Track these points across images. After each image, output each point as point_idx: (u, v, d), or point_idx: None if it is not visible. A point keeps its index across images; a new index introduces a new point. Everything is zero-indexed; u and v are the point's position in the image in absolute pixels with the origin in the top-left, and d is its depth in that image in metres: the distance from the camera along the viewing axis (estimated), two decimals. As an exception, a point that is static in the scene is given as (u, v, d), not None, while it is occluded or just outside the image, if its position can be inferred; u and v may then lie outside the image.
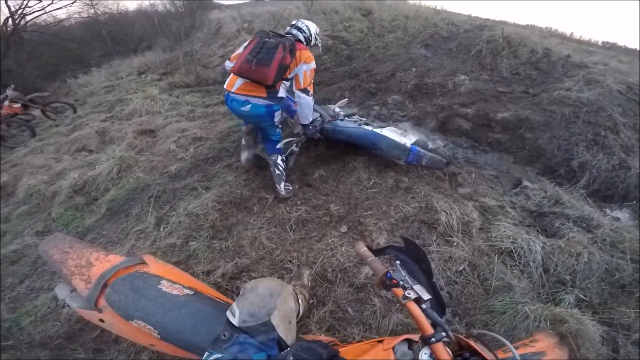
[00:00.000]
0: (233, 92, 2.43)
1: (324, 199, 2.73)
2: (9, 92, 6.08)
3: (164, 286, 1.19)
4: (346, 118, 3.19)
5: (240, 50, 2.48)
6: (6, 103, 5.93)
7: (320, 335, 1.72)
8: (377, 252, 1.05)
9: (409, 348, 0.85)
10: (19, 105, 6.08)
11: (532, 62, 4.64)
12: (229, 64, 2.61)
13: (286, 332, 0.99)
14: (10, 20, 10.88)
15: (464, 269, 2.10)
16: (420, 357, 0.78)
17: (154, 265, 1.32)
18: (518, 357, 0.81)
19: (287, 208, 2.68)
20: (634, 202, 2.94)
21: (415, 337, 0.85)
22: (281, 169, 2.75)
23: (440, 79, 4.53)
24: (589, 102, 3.64)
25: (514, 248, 2.17)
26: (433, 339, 0.75)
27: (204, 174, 3.27)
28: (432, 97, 4.32)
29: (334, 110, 3.27)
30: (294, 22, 2.66)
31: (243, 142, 3.10)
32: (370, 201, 2.63)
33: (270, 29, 2.52)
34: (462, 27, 5.84)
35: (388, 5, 7.31)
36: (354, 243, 2.08)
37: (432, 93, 4.39)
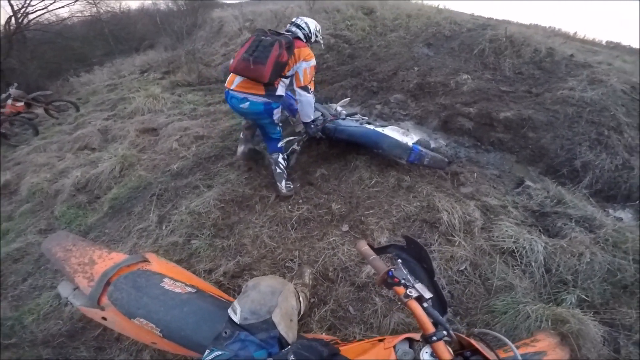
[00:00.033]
0: (232, 90, 2.45)
1: (326, 198, 2.73)
2: (12, 90, 6.11)
3: (167, 284, 1.20)
4: (348, 117, 3.18)
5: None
6: (9, 102, 5.96)
7: (322, 334, 1.72)
8: (379, 250, 1.06)
9: (410, 347, 0.85)
10: (22, 103, 6.11)
11: (535, 62, 4.62)
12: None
13: (287, 330, 1.00)
14: (13, 19, 10.90)
15: (465, 268, 2.10)
16: (421, 356, 0.78)
17: (157, 263, 1.33)
18: (519, 357, 0.81)
19: (289, 207, 2.68)
20: (637, 202, 2.92)
21: (417, 336, 0.85)
22: (282, 167, 2.75)
23: (442, 78, 4.51)
24: (592, 101, 3.62)
25: (515, 248, 2.17)
26: (434, 338, 0.75)
27: (206, 173, 3.27)
28: (434, 96, 4.31)
29: (335, 109, 3.27)
30: (293, 20, 2.67)
31: (241, 135, 3.13)
32: (371, 200, 2.63)
33: (272, 28, 2.53)
34: (464, 26, 5.81)
35: (390, 4, 7.29)
36: (355, 242, 2.09)
37: (434, 92, 4.38)
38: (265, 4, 12.04)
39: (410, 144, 2.75)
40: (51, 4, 11.85)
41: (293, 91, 2.62)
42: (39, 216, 3.32)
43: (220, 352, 0.90)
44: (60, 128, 5.76)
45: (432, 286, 0.93)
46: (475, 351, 0.84)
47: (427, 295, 0.83)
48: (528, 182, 2.97)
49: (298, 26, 2.62)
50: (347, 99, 3.71)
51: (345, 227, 2.43)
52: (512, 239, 2.21)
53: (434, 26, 5.98)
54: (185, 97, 5.83)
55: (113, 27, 15.27)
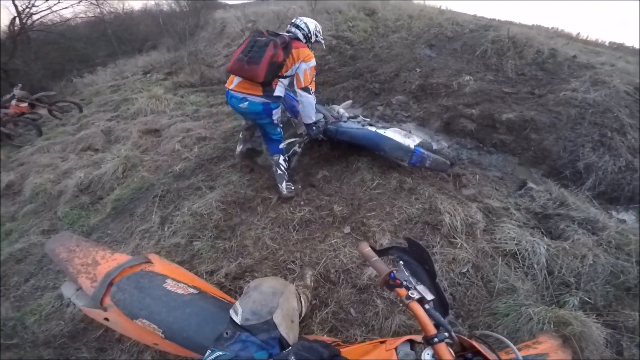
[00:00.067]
0: (232, 90, 2.50)
1: (328, 200, 2.73)
2: (16, 91, 6.14)
3: (169, 285, 1.20)
4: (350, 120, 3.18)
5: None
6: (13, 102, 5.99)
7: (323, 336, 1.72)
8: (381, 252, 1.06)
9: (412, 349, 0.85)
10: (26, 104, 6.14)
11: (538, 63, 4.61)
12: None
13: (288, 331, 1.00)
14: (17, 19, 10.95)
15: (467, 270, 2.10)
16: (422, 358, 0.78)
17: (159, 264, 1.33)
18: (521, 358, 0.81)
19: (291, 208, 2.68)
20: (640, 204, 2.91)
21: (418, 337, 0.85)
22: (283, 168, 2.75)
23: (444, 80, 4.51)
24: (595, 103, 3.60)
25: (518, 250, 2.16)
26: (436, 339, 0.75)
27: (208, 174, 3.28)
28: (436, 98, 4.31)
29: (337, 111, 3.27)
30: (293, 20, 2.68)
31: (240, 135, 3.16)
32: (373, 202, 2.63)
33: (274, 28, 2.54)
34: (467, 27, 5.81)
35: (392, 5, 7.29)
36: (357, 243, 2.09)
37: (436, 93, 4.37)
38: (267, 5, 12.09)
39: (412, 146, 2.75)
40: (55, 4, 11.89)
41: (295, 92, 2.62)
42: (42, 217, 3.34)
43: (221, 353, 0.90)
44: (64, 129, 5.79)
45: (434, 288, 0.93)
46: (477, 353, 0.84)
47: (429, 297, 0.83)
48: (530, 184, 2.96)
49: (297, 27, 2.63)
50: (349, 101, 3.71)
51: (346, 229, 2.43)
52: (515, 241, 2.20)
53: (436, 27, 5.98)
54: (187, 98, 5.85)
55: (116, 27, 15.32)
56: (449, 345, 0.78)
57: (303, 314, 1.62)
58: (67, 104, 6.98)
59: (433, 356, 0.77)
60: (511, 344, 0.84)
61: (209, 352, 0.92)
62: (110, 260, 1.31)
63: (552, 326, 1.68)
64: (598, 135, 3.30)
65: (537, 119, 3.55)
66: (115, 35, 14.72)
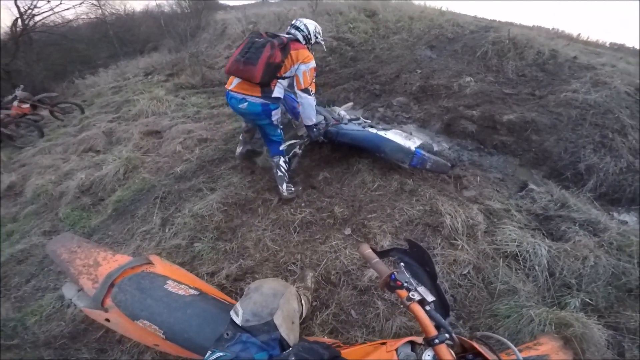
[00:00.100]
0: (231, 90, 2.52)
1: (328, 201, 2.73)
2: (18, 92, 6.16)
3: (170, 286, 1.21)
4: (350, 122, 3.18)
5: None
6: (15, 103, 6.00)
7: (324, 337, 1.72)
8: (382, 254, 1.06)
9: (413, 350, 0.85)
10: (27, 105, 6.15)
11: (538, 64, 4.61)
12: None
13: (288, 332, 1.00)
14: (19, 20, 10.99)
15: (468, 272, 2.09)
16: (423, 359, 0.78)
17: (160, 266, 1.34)
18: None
19: (292, 210, 2.68)
20: (642, 205, 2.91)
21: (419, 339, 0.85)
22: (283, 170, 2.76)
23: (445, 81, 4.51)
24: (596, 104, 3.61)
25: (519, 251, 2.16)
26: (436, 341, 0.75)
27: (209, 176, 3.29)
28: (437, 99, 4.31)
29: (338, 113, 3.27)
30: (293, 22, 2.69)
31: (240, 137, 3.19)
32: (374, 204, 2.63)
33: (275, 30, 2.55)
34: (467, 29, 5.82)
35: (393, 6, 7.31)
36: (358, 245, 2.09)
37: (437, 95, 4.38)
38: (268, 6, 12.13)
39: (412, 148, 2.75)
40: (57, 5, 11.94)
41: (295, 94, 2.63)
42: (44, 218, 3.34)
43: (221, 354, 0.90)
44: (65, 130, 5.80)
45: (435, 289, 0.93)
46: (478, 354, 0.84)
47: (430, 298, 0.83)
48: (532, 186, 2.96)
49: (297, 28, 2.63)
50: (350, 104, 3.72)
51: (347, 231, 2.43)
52: (516, 243, 2.20)
53: (437, 28, 5.99)
54: (189, 99, 5.86)
55: (118, 29, 15.34)
56: (450, 346, 0.78)
57: (304, 316, 1.62)
58: (68, 105, 6.99)
59: (434, 357, 0.77)
60: (512, 345, 0.84)
61: (209, 352, 0.92)
62: (111, 262, 1.31)
63: (553, 328, 1.68)
64: (599, 136, 3.30)
65: (537, 120, 3.55)
66: (116, 36, 14.74)
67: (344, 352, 0.95)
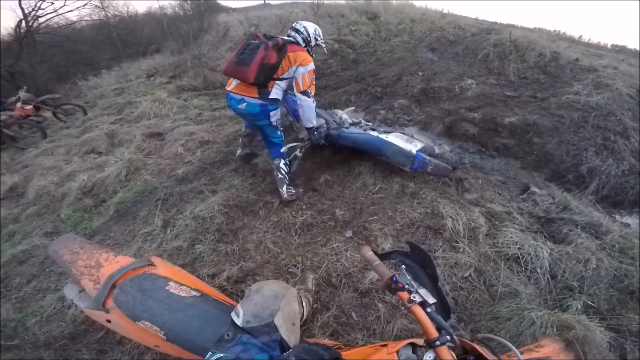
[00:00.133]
0: (230, 91, 2.58)
1: (329, 204, 2.73)
2: (22, 93, 6.20)
3: (172, 287, 1.21)
4: (352, 126, 3.18)
5: None
6: (19, 104, 6.04)
7: (324, 339, 1.72)
8: (383, 256, 1.06)
9: (414, 352, 0.85)
10: (31, 107, 6.18)
11: (540, 66, 4.61)
12: None
13: (289, 333, 1.00)
14: (23, 22, 11.05)
15: (469, 275, 2.09)
16: None
17: (162, 267, 1.34)
18: None
19: (293, 212, 2.69)
20: (644, 208, 2.90)
21: (420, 341, 0.85)
22: (283, 172, 2.77)
23: (446, 83, 4.51)
24: (598, 106, 3.60)
25: (520, 254, 2.15)
26: (437, 342, 0.75)
27: (211, 178, 3.29)
28: (438, 102, 4.31)
29: (340, 117, 3.27)
30: (293, 24, 2.74)
31: (240, 141, 3.31)
32: (375, 206, 2.63)
33: (276, 32, 2.58)
34: (468, 31, 5.82)
35: (394, 9, 7.31)
36: (359, 247, 2.08)
37: (438, 97, 4.37)
38: (270, 9, 12.16)
39: (413, 151, 2.74)
40: (61, 7, 12.00)
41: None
42: (45, 219, 3.36)
43: (221, 355, 0.91)
44: (68, 131, 5.83)
45: (436, 292, 0.93)
46: (479, 356, 0.84)
47: (431, 300, 0.83)
48: (533, 188, 2.96)
49: (297, 31, 2.68)
50: (352, 108, 3.73)
51: (348, 233, 2.43)
52: (517, 246, 2.20)
53: (438, 31, 5.99)
54: (191, 101, 5.88)
55: (121, 31, 15.42)
56: (451, 348, 0.78)
57: (304, 318, 1.62)
58: (71, 107, 7.02)
59: (435, 359, 0.77)
60: (513, 347, 0.83)
61: (210, 353, 0.92)
62: (113, 263, 1.32)
63: (554, 330, 1.67)
64: (601, 138, 3.29)
65: (539, 122, 3.55)
66: (119, 38, 14.82)
67: (345, 354, 0.95)
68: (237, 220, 2.71)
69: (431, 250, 2.25)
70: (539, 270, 2.08)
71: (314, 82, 2.58)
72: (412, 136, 3.11)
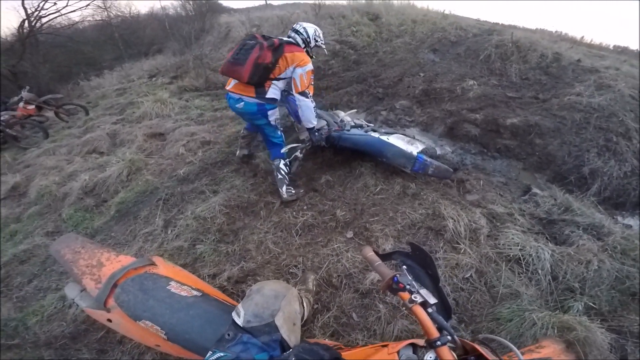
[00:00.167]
0: (229, 90, 2.63)
1: (330, 205, 2.73)
2: (24, 93, 6.22)
3: (173, 287, 1.21)
4: (353, 128, 3.18)
5: None
6: (21, 104, 6.06)
7: (325, 340, 1.71)
8: (384, 257, 1.06)
9: (414, 352, 0.85)
10: (33, 106, 6.20)
11: (541, 67, 4.60)
12: None
13: (289, 333, 1.00)
14: (26, 22, 11.09)
15: (470, 276, 2.09)
16: None
17: (163, 267, 1.34)
18: None
19: (294, 213, 2.69)
20: (646, 209, 2.89)
21: (420, 341, 0.85)
22: (283, 173, 2.78)
23: (448, 84, 4.51)
24: (600, 107, 3.59)
25: (522, 255, 2.15)
26: (438, 342, 0.75)
27: (212, 178, 3.30)
28: (440, 103, 4.31)
29: (341, 120, 3.27)
30: (294, 25, 2.78)
31: (239, 142, 3.36)
32: (376, 207, 2.63)
33: (277, 33, 2.60)
34: (470, 32, 5.81)
35: (396, 10, 7.30)
36: (360, 248, 2.08)
37: (440, 98, 4.37)
38: (271, 10, 12.17)
39: (415, 153, 2.74)
40: (63, 7, 12.04)
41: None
42: (47, 218, 3.36)
43: (222, 354, 0.91)
44: (70, 131, 5.84)
45: (437, 292, 0.93)
46: (480, 356, 0.84)
47: (432, 300, 0.83)
48: (535, 190, 2.95)
49: (297, 31, 2.73)
50: (354, 111, 3.73)
51: (349, 234, 2.43)
52: (519, 247, 2.19)
53: (440, 32, 5.99)
54: (192, 102, 5.89)
55: (123, 31, 15.46)
56: (452, 348, 0.78)
57: (305, 318, 1.62)
58: (73, 107, 7.05)
59: (436, 359, 0.76)
60: (514, 348, 0.83)
61: (210, 352, 0.93)
62: (114, 262, 1.32)
63: (555, 331, 1.67)
64: (603, 140, 3.28)
65: (541, 123, 3.54)
66: (122, 38, 14.87)
67: (345, 354, 0.95)
68: (238, 220, 2.71)
69: (432, 251, 2.24)
70: (540, 271, 2.07)
71: (312, 83, 2.60)
72: (414, 137, 3.11)
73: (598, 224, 2.45)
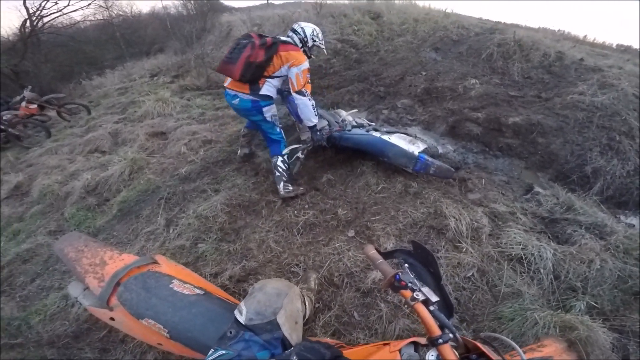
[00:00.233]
0: (227, 87, 2.70)
1: (332, 203, 2.73)
2: (26, 93, 6.24)
3: (175, 286, 1.21)
4: (354, 128, 3.18)
5: None
6: (23, 104, 6.09)
7: (326, 338, 1.72)
8: (386, 255, 1.06)
9: (416, 351, 0.85)
10: (35, 106, 6.22)
11: (544, 66, 4.58)
12: None
13: (291, 331, 1.00)
14: (28, 22, 11.12)
15: (472, 275, 2.08)
16: (427, 359, 0.78)
17: (166, 265, 1.35)
18: None
19: (295, 212, 2.69)
20: (649, 208, 2.88)
21: (422, 339, 0.85)
22: (281, 170, 2.79)
23: (450, 83, 4.49)
24: (603, 106, 3.58)
25: (524, 254, 2.15)
26: (440, 340, 0.75)
27: (214, 177, 3.30)
28: (442, 101, 4.29)
29: (343, 120, 3.27)
30: (293, 25, 2.82)
31: (240, 141, 3.43)
32: (378, 206, 2.63)
33: (279, 32, 2.62)
34: (472, 31, 5.80)
35: (397, 9, 7.29)
36: (362, 246, 2.09)
37: (442, 97, 4.36)
38: (273, 9, 12.18)
39: (416, 153, 2.73)
40: (65, 7, 12.08)
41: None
42: (49, 218, 3.38)
43: (223, 352, 0.91)
44: (72, 131, 5.86)
45: (439, 290, 0.93)
46: (481, 354, 0.84)
47: (434, 298, 0.83)
48: (537, 189, 2.94)
49: (295, 31, 2.77)
50: (355, 111, 3.73)
51: (351, 233, 2.43)
52: (521, 246, 2.19)
53: (442, 30, 5.97)
54: (194, 101, 5.90)
55: (124, 30, 15.51)
56: (454, 346, 0.78)
57: (307, 317, 1.62)
58: (75, 106, 7.07)
59: (437, 357, 0.77)
60: (516, 346, 0.83)
61: (212, 350, 0.93)
62: (117, 261, 1.32)
63: (557, 331, 1.67)
64: (606, 139, 3.27)
65: (543, 122, 3.53)
66: (123, 38, 14.91)
67: (347, 352, 0.95)
68: (240, 219, 2.72)
69: (434, 250, 2.24)
70: (542, 270, 2.07)
71: (309, 81, 2.63)
72: (415, 137, 3.10)
73: (600, 223, 2.44)
